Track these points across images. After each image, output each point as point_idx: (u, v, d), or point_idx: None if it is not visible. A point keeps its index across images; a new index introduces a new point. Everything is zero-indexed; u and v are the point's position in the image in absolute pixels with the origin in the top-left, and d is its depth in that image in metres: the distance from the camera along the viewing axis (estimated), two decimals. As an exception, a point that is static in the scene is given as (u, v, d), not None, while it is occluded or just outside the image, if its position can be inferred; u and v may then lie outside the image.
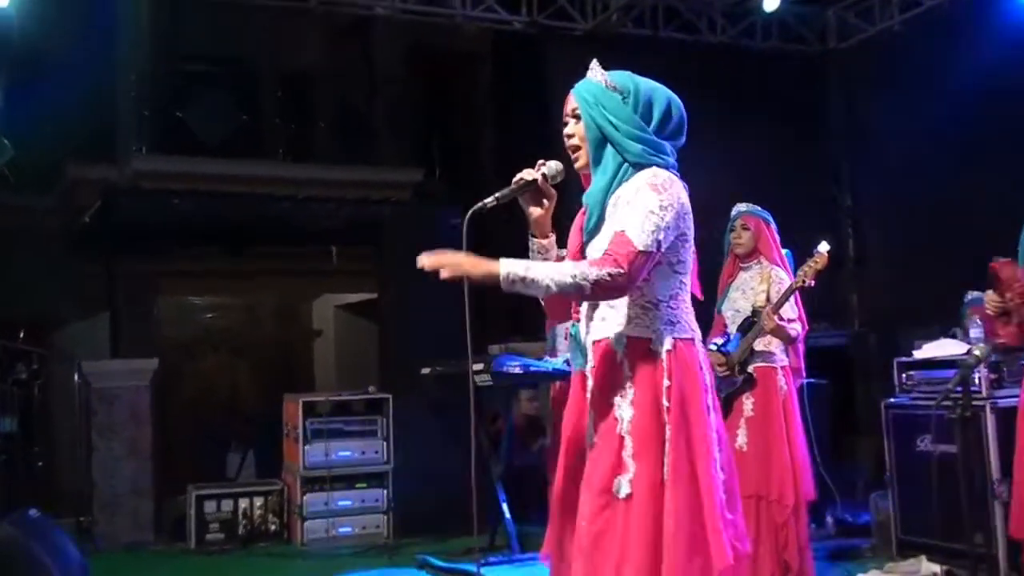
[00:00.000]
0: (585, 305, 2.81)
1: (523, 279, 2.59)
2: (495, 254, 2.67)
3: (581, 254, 2.77)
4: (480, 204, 2.69)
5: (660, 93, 2.84)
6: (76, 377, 7.54)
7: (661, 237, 2.63)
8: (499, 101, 10.29)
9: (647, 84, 2.83)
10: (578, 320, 2.83)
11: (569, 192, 3.00)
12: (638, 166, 2.74)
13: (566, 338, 3.03)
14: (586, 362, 2.79)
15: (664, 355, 2.66)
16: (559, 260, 2.86)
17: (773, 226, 5.12)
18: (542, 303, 2.92)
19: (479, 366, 6.10)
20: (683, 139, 2.86)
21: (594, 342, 2.76)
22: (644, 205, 2.65)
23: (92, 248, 9.04)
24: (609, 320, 2.76)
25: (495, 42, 9.86)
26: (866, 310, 8.81)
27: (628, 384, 2.68)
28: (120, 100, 9.92)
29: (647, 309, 2.72)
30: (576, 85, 2.85)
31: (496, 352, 7.74)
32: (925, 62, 7.79)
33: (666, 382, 2.65)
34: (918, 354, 5.80)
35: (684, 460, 2.60)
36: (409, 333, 7.67)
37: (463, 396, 6.51)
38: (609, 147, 2.75)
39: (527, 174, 2.78)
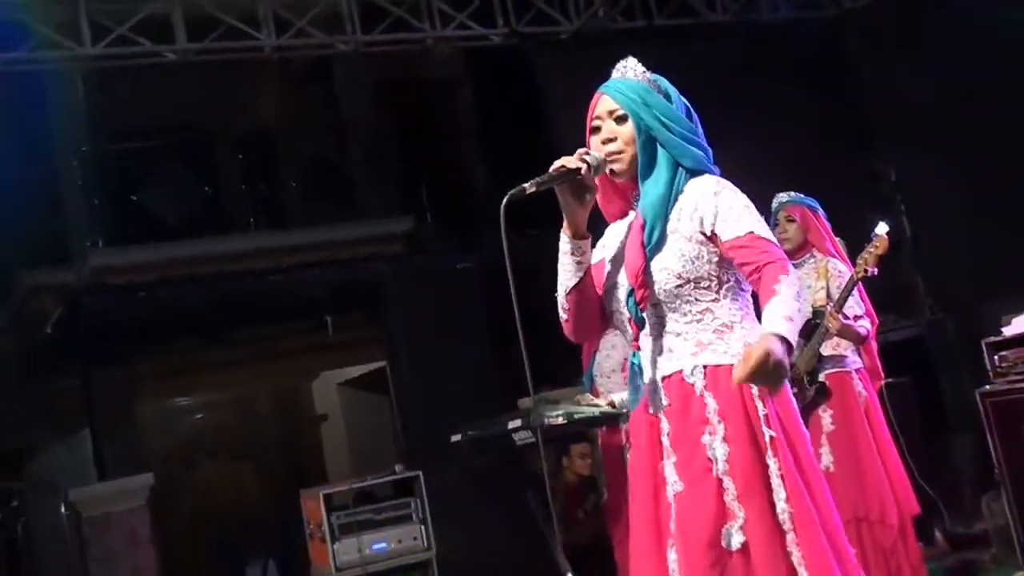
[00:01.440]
0: (646, 337, 2.78)
1: (794, 325, 2.58)
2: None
3: (644, 274, 2.74)
4: (519, 188, 2.67)
5: (686, 101, 2.89)
6: (63, 508, 7.51)
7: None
8: (486, 126, 10.33)
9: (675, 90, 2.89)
10: (638, 349, 2.79)
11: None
12: (693, 173, 2.77)
13: (619, 372, 2.99)
14: (653, 403, 2.75)
15: None
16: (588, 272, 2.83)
17: (821, 213, 5.11)
18: (569, 333, 2.89)
19: (516, 423, 6.04)
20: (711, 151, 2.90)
21: (663, 378, 2.73)
22: (742, 206, 2.72)
23: (59, 361, 9.04)
24: (678, 351, 2.74)
25: (472, 62, 9.91)
26: (936, 293, 8.75)
27: (716, 419, 2.64)
28: (65, 192, 9.96)
29: (722, 333, 2.72)
30: (608, 84, 2.85)
31: (529, 405, 7.70)
32: (960, 8, 7.81)
33: (762, 410, 2.63)
34: (1008, 331, 5.75)
35: (802, 496, 2.57)
36: (429, 399, 7.67)
37: (503, 460, 6.52)
38: (660, 150, 2.77)
39: (568, 161, 2.75)
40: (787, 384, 2.69)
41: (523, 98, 8.48)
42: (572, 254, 2.79)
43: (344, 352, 10.61)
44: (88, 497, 7.40)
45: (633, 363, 2.76)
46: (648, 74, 2.88)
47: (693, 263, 2.71)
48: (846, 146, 8.72)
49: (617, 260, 2.86)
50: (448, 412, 7.27)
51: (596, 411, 6.05)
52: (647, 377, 2.76)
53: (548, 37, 8.33)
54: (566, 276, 2.80)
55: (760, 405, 2.63)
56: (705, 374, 2.69)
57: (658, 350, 2.76)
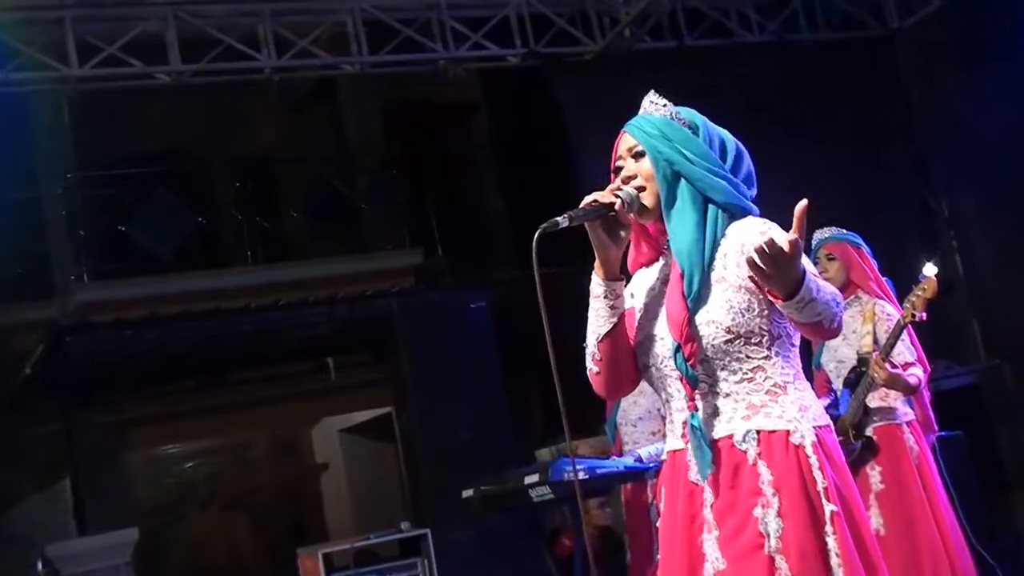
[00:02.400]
0: (696, 398, 2.72)
1: (812, 299, 2.51)
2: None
3: (690, 327, 2.69)
4: (551, 222, 2.62)
5: (726, 135, 2.83)
6: (39, 565, 7.44)
7: None
8: (502, 153, 10.35)
9: (711, 123, 2.83)
10: (695, 409, 2.72)
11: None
12: (728, 210, 2.72)
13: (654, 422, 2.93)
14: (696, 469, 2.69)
15: (810, 448, 2.60)
16: (629, 319, 2.79)
17: (865, 250, 5.07)
18: (599, 387, 2.83)
19: (533, 478, 5.99)
20: (755, 191, 2.83)
21: (715, 441, 2.66)
22: (782, 237, 2.59)
23: (39, 404, 9.03)
24: (727, 413, 2.67)
25: (488, 84, 9.93)
26: (992, 337, 8.68)
27: (770, 491, 2.58)
28: (49, 221, 10.00)
29: (775, 394, 2.65)
30: (631, 121, 2.82)
31: (546, 457, 7.64)
32: (1022, 28, 7.79)
33: (822, 482, 2.56)
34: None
35: None
36: (439, 449, 7.62)
37: (517, 518, 6.47)
38: (684, 184, 2.72)
39: (601, 196, 2.70)
40: (840, 453, 2.65)
41: (542, 124, 8.48)
42: (605, 297, 2.73)
43: (347, 396, 10.60)
44: (67, 554, 7.35)
45: (694, 426, 2.67)
46: (670, 107, 2.85)
47: (743, 315, 2.65)
48: (894, 176, 8.69)
49: (651, 310, 2.79)
50: (459, 463, 7.25)
51: (621, 465, 6.01)
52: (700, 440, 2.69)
53: (570, 58, 8.33)
54: (598, 322, 2.74)
55: (820, 476, 2.57)
56: (759, 440, 2.61)
57: (706, 412, 2.68)
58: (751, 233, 2.64)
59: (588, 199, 2.69)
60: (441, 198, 10.91)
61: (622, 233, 2.73)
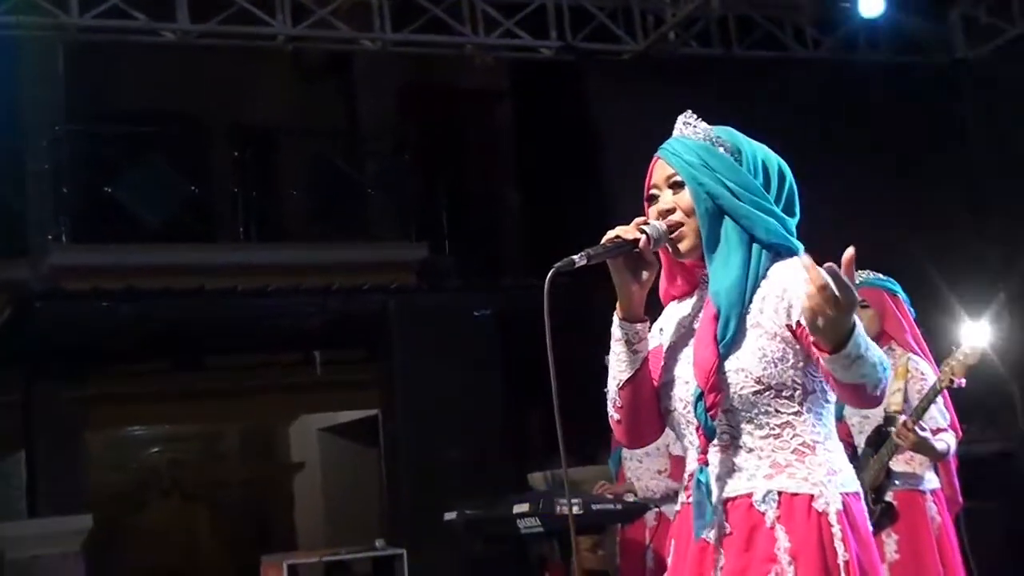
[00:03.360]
0: (714, 450, 2.70)
1: (860, 357, 2.44)
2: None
3: (718, 375, 2.66)
4: (566, 260, 2.58)
5: (768, 155, 2.79)
6: (-19, 546, 7.45)
7: None
8: (525, 149, 10.32)
9: (752, 143, 2.79)
10: (705, 464, 2.71)
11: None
12: (771, 249, 2.69)
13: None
14: (713, 527, 2.67)
15: (834, 516, 2.57)
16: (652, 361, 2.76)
17: (902, 299, 5.05)
18: (621, 435, 2.81)
19: (523, 507, 5.97)
20: (797, 216, 2.80)
21: (727, 501, 2.64)
22: None
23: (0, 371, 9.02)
24: (749, 470, 2.64)
25: (516, 74, 9.91)
26: (1035, 403, 8.65)
27: (786, 558, 2.56)
28: (30, 175, 9.98)
29: (802, 454, 2.62)
30: (665, 145, 2.77)
31: (540, 483, 7.61)
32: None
33: (843, 555, 2.53)
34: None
35: None
36: (425, 462, 7.61)
37: (502, 548, 6.44)
38: (728, 222, 2.68)
39: (625, 232, 2.66)
40: (868, 525, 2.62)
41: (570, 123, 8.47)
42: (627, 342, 2.70)
43: (331, 394, 10.57)
44: (14, 536, 7.36)
45: (700, 480, 2.64)
46: (711, 130, 2.80)
47: (776, 366, 2.62)
48: (945, 216, 8.63)
49: (679, 350, 2.76)
50: (445, 481, 7.24)
51: (618, 504, 6.00)
52: (712, 497, 2.67)
53: (607, 56, 8.32)
54: (619, 367, 2.71)
55: (842, 548, 2.54)
56: (779, 503, 2.59)
57: (725, 467, 2.66)
58: (795, 277, 2.61)
59: (611, 234, 2.64)
60: (454, 191, 10.88)
61: (646, 273, 2.69)
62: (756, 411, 2.62)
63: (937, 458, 4.74)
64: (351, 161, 11.05)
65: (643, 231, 2.66)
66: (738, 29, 8.41)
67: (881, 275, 5.04)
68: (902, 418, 4.66)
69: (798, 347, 2.60)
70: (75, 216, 9.86)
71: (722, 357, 2.62)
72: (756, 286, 2.66)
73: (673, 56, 8.27)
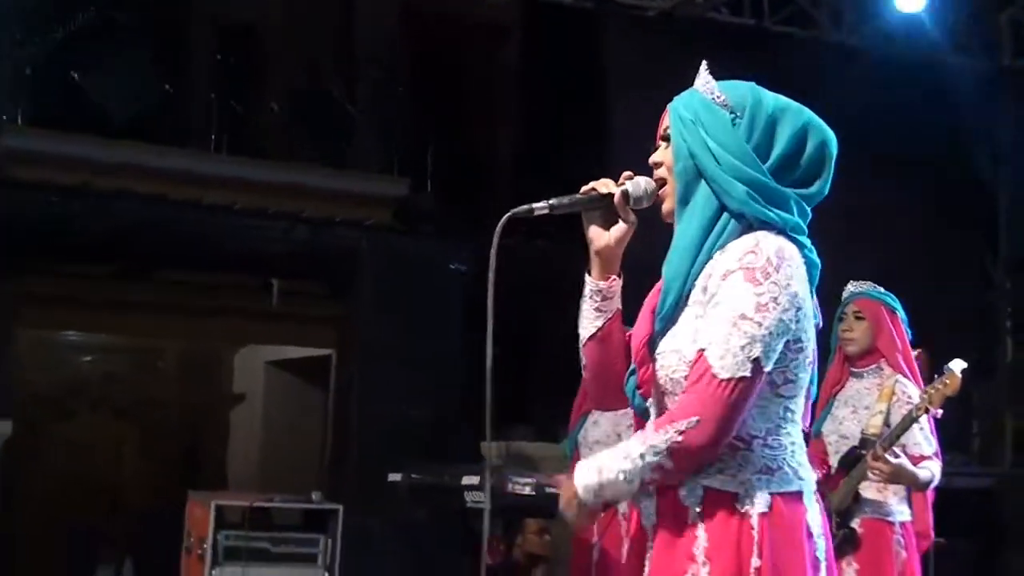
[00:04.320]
0: (648, 429, 2.72)
1: (600, 485, 2.56)
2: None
3: (649, 349, 2.69)
4: (526, 207, 2.62)
5: (793, 116, 2.73)
6: None
7: (760, 353, 2.51)
8: (528, 92, 10.27)
9: (776, 102, 2.73)
10: None
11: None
12: (742, 220, 2.63)
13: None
14: (644, 513, 2.71)
15: (756, 519, 2.57)
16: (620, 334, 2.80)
17: (900, 316, 5.10)
18: (591, 394, 2.86)
19: (472, 479, 6.04)
20: (821, 189, 2.74)
21: (658, 490, 2.66)
22: (733, 305, 2.53)
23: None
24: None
25: (529, 11, 9.86)
26: (1024, 441, 8.73)
27: (702, 558, 2.59)
28: (-9, 49, 9.88)
29: (735, 448, 2.60)
30: (677, 97, 2.77)
31: (494, 453, 7.65)
32: None
33: (755, 561, 2.55)
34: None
35: None
36: (375, 417, 7.62)
37: (446, 518, 6.49)
38: (703, 185, 2.64)
39: (600, 185, 2.70)
40: (809, 534, 2.62)
41: (581, 74, 8.45)
42: (591, 298, 2.75)
43: (285, 327, 10.57)
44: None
45: None
46: (715, 85, 2.74)
47: None
48: (959, 234, 8.67)
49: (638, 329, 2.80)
50: (395, 438, 7.27)
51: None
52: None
53: (631, 10, 8.29)
54: (583, 324, 2.77)
55: (755, 554, 2.57)
56: (704, 499, 2.60)
57: None
58: (732, 263, 2.57)
59: (587, 187, 2.70)
60: (445, 128, 10.83)
61: (620, 231, 2.72)
62: (674, 402, 2.65)
63: (919, 487, 4.80)
64: (340, 81, 11.00)
65: (624, 187, 2.68)
66: (772, 2, 8.40)
67: (881, 289, 5.08)
68: (876, 445, 4.71)
69: None
70: (35, 99, 9.78)
71: (657, 332, 2.65)
72: (709, 258, 2.62)
73: (700, 20, 8.26)
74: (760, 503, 2.57)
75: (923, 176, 8.37)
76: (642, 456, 2.51)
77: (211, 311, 10.64)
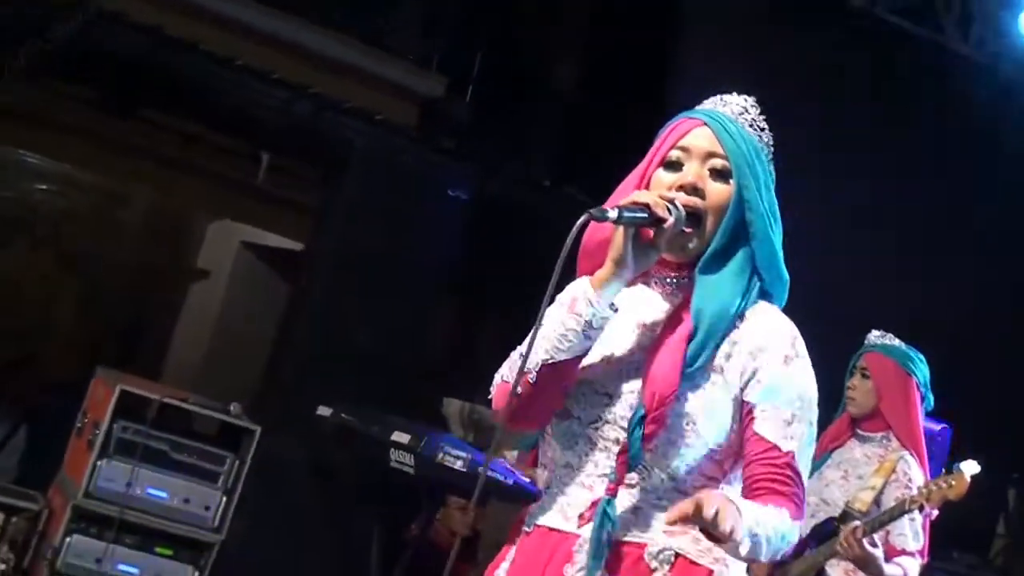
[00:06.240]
0: (625, 484, 2.79)
1: (755, 543, 2.64)
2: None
3: (670, 406, 2.74)
4: (601, 210, 2.68)
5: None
6: None
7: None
8: (594, 32, 10.17)
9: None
10: (613, 495, 2.80)
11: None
12: (762, 285, 2.84)
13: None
14: (586, 561, 2.77)
15: None
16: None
17: (917, 380, 5.11)
18: (505, 399, 2.85)
19: (404, 437, 6.08)
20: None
21: (617, 542, 2.76)
22: (805, 395, 2.80)
23: None
24: (650, 517, 2.77)
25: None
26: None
27: None
28: None
29: None
30: (718, 115, 2.85)
31: (456, 414, 7.68)
32: None
33: None
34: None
35: None
36: (325, 336, 7.65)
37: (367, 470, 6.53)
38: (745, 247, 2.79)
39: (655, 204, 2.72)
40: None
41: (656, 26, 8.42)
42: (589, 324, 2.76)
43: (265, 208, 10.67)
44: None
45: (607, 513, 2.76)
46: (767, 133, 2.87)
47: (717, 421, 2.76)
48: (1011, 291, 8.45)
49: (615, 353, 2.85)
50: (343, 368, 7.29)
51: (511, 479, 6.09)
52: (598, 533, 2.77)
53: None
54: (560, 344, 2.77)
55: None
56: (673, 566, 2.73)
57: (621, 503, 2.78)
58: (776, 340, 2.79)
59: (634, 197, 2.73)
60: (501, 39, 10.75)
61: (650, 257, 2.78)
62: (681, 459, 2.70)
63: (881, 580, 4.82)
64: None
65: (675, 216, 2.71)
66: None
67: (899, 341, 5.08)
68: (856, 523, 4.74)
69: (739, 418, 2.76)
70: None
71: (681, 389, 2.73)
72: (737, 322, 2.80)
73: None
74: None
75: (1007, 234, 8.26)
76: (784, 539, 2.71)
77: (190, 168, 10.69)
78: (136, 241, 12.24)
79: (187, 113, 9.72)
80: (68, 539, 7.01)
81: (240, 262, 11.96)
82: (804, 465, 2.78)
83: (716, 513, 2.46)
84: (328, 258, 7.89)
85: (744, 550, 2.58)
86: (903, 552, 4.88)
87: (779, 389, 2.76)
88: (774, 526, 2.65)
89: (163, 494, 7.17)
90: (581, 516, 2.78)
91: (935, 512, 4.78)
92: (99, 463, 7.05)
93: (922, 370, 5.14)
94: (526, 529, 2.93)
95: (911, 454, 5.04)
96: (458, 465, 6.06)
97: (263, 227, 11.39)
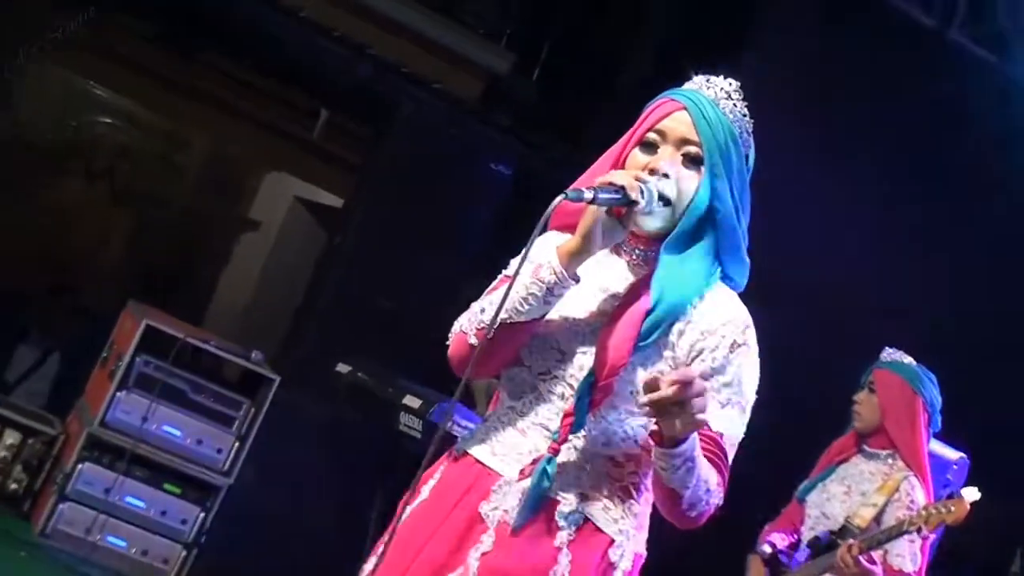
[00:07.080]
0: (539, 427, 2.91)
1: (691, 464, 2.73)
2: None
3: (620, 373, 2.83)
4: (577, 191, 2.77)
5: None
6: None
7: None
8: (668, 24, 10.14)
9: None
10: (555, 453, 2.89)
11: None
12: (722, 270, 2.95)
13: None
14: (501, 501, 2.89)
15: (621, 573, 2.86)
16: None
17: (925, 400, 5.10)
18: (461, 352, 3.04)
19: (415, 402, 6.17)
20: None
21: (584, 520, 2.89)
22: (749, 381, 2.90)
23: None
24: (572, 478, 2.90)
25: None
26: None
27: None
28: None
29: (627, 494, 2.92)
30: (698, 98, 2.93)
31: (480, 386, 7.72)
32: None
33: None
34: None
35: None
36: (352, 294, 7.75)
37: (379, 430, 6.58)
38: (710, 233, 2.88)
39: (628, 183, 2.81)
40: None
41: (723, 18, 8.37)
42: (549, 290, 2.86)
43: (320, 165, 10.72)
44: None
45: (547, 471, 2.85)
46: (747, 118, 2.93)
47: None
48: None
49: (573, 314, 2.94)
50: (366, 327, 7.35)
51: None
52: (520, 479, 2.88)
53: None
54: (522, 306, 2.88)
55: None
56: (579, 529, 2.83)
57: (559, 461, 2.89)
58: (729, 325, 2.87)
59: (608, 178, 2.81)
60: (577, 21, 10.72)
61: (618, 234, 2.88)
62: (619, 427, 2.77)
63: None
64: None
65: (642, 192, 2.78)
66: (971, 9, 8.18)
67: (911, 360, 5.08)
68: (856, 540, 4.77)
69: None
70: None
71: (637, 346, 2.84)
72: (695, 302, 2.89)
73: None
74: (628, 558, 2.86)
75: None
76: (716, 489, 2.83)
77: (250, 118, 10.78)
78: (191, 185, 12.32)
79: (248, 61, 9.80)
80: (80, 466, 7.14)
81: (291, 216, 12.05)
82: (730, 447, 2.87)
83: (694, 403, 2.56)
84: (363, 217, 7.93)
85: (678, 466, 2.67)
86: (900, 573, 4.90)
87: (720, 372, 2.85)
88: (706, 475, 2.75)
89: (177, 432, 7.29)
90: (522, 472, 2.88)
91: (932, 536, 4.79)
92: (118, 394, 7.19)
93: (931, 390, 5.15)
94: (456, 452, 3.04)
95: (914, 476, 5.04)
96: (465, 435, 6.14)
97: (316, 183, 11.48)
